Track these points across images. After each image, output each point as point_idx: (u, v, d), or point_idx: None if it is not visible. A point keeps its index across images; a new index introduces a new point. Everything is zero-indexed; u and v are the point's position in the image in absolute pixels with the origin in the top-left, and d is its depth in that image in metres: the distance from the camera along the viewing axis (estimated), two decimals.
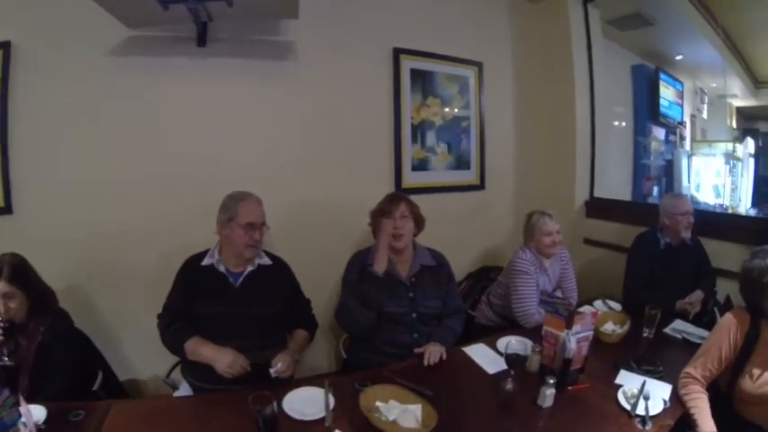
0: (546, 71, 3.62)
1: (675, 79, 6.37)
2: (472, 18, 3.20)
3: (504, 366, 1.69)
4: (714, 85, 7.68)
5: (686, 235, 2.63)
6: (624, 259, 2.88)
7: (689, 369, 1.66)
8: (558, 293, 2.54)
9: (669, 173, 6.94)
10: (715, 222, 3.04)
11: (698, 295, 2.55)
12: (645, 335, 2.12)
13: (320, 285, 2.57)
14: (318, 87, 2.60)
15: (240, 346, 1.72)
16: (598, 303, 2.60)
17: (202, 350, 1.71)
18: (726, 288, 2.68)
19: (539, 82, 3.63)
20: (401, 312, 2.04)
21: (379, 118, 2.74)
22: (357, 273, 2.03)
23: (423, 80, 2.85)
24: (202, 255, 1.89)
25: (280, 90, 2.54)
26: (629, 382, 1.72)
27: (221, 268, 1.87)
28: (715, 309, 2.60)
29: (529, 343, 1.90)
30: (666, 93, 6.11)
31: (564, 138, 3.60)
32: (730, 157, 7.88)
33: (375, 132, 2.76)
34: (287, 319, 2.01)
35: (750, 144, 8.47)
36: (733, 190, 7.99)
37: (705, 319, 2.54)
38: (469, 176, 3.14)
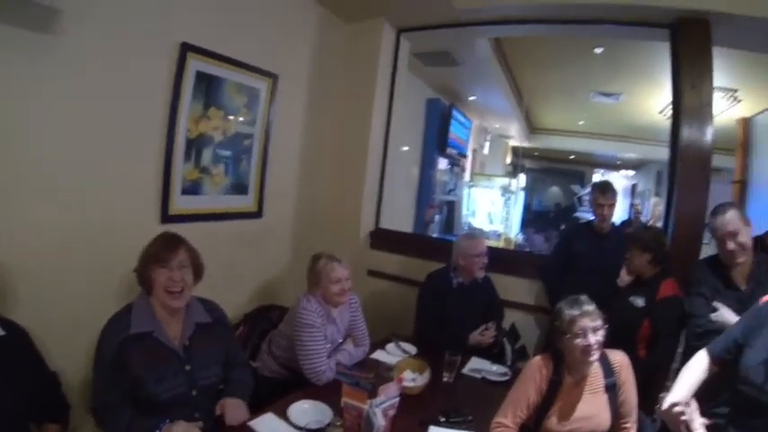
0: (346, 95, 3.98)
1: (465, 116, 7.39)
2: (275, 25, 3.30)
3: None
4: (497, 126, 9.19)
5: (480, 275, 3.10)
6: (408, 291, 3.36)
7: (500, 418, 1.95)
8: (349, 345, 2.68)
9: (450, 202, 7.98)
10: (504, 258, 3.75)
11: (489, 325, 3.01)
12: (445, 380, 2.46)
13: (73, 348, 2.15)
14: (79, 78, 2.12)
15: None
16: (391, 347, 2.87)
17: None
18: (510, 318, 3.39)
19: (336, 105, 3.96)
20: (177, 394, 1.85)
21: (150, 127, 2.48)
22: (111, 354, 1.76)
23: (208, 87, 2.77)
24: None
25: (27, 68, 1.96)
26: None
27: None
28: (504, 339, 3.17)
29: (327, 409, 1.99)
30: (456, 128, 7.02)
31: (354, 165, 3.97)
32: (506, 191, 9.57)
33: (143, 144, 2.46)
34: (29, 407, 1.69)
35: (522, 179, 10.44)
36: (506, 219, 9.76)
37: (495, 351, 3.06)
38: (246, 202, 3.20)
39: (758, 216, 6.82)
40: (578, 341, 1.86)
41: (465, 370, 2.66)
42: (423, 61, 5.09)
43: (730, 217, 2.30)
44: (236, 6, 2.91)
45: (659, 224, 3.71)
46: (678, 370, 1.96)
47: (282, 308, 2.99)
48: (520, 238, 11.23)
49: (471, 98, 7.20)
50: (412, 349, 2.85)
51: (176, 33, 2.55)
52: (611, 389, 1.95)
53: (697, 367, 1.81)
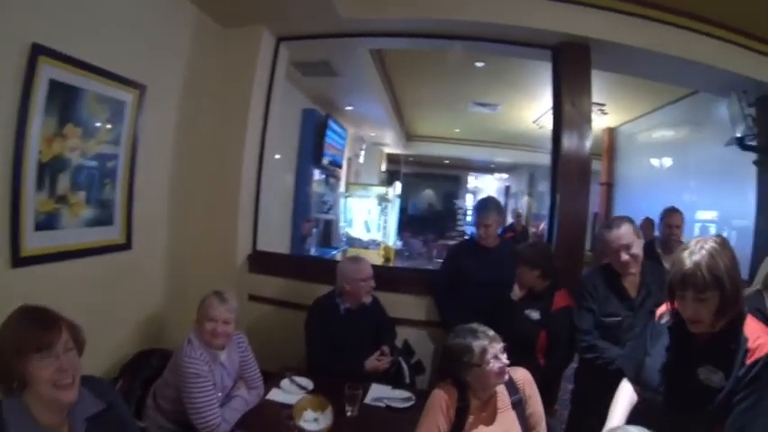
0: (220, 107, 3.80)
1: (341, 126, 7.44)
2: (145, 27, 3.02)
3: None
4: (373, 134, 9.39)
5: (368, 300, 3.12)
6: (293, 315, 3.35)
7: None
8: (242, 389, 2.56)
9: (327, 213, 8.00)
10: (389, 276, 3.80)
11: (385, 349, 3.07)
12: (349, 414, 2.43)
13: None
14: None
15: None
16: (286, 384, 2.76)
17: None
18: (402, 335, 3.46)
19: (210, 118, 3.77)
20: None
21: None
22: None
23: (64, 99, 2.45)
24: None
25: None
26: None
27: None
28: (400, 358, 3.22)
29: None
30: (332, 138, 7.04)
31: (228, 185, 3.81)
32: (382, 199, 9.76)
33: None
34: None
35: (398, 187, 10.74)
36: (384, 227, 9.94)
37: (393, 370, 3.11)
38: (113, 234, 2.91)
39: (623, 213, 7.91)
40: (492, 366, 2.00)
41: (367, 400, 2.65)
42: (301, 71, 5.05)
43: (624, 230, 2.55)
44: (98, 3, 2.61)
45: (543, 226, 4.00)
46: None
47: (165, 351, 2.78)
48: (398, 244, 11.57)
49: (348, 108, 7.29)
50: (308, 384, 2.77)
51: (25, 32, 2.18)
52: (518, 405, 2.12)
53: (624, 395, 2.00)
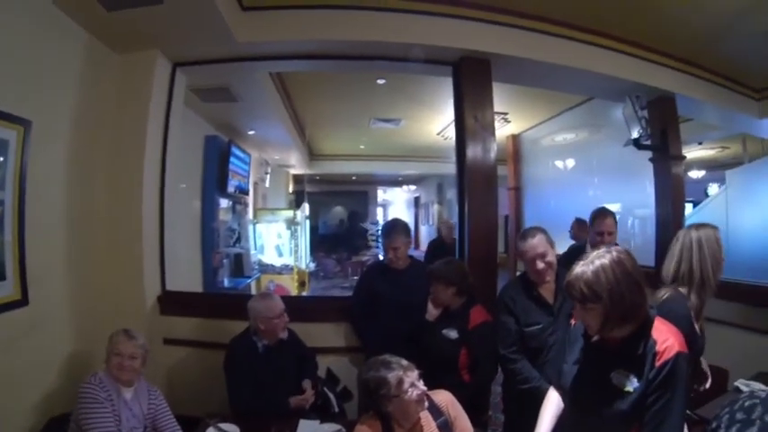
0: (115, 138, 3.59)
1: (244, 151, 7.30)
2: (28, 55, 2.77)
3: None
4: (277, 156, 9.28)
5: (284, 335, 3.04)
6: (211, 355, 3.18)
7: None
8: None
9: (237, 242, 7.76)
10: (303, 307, 3.79)
11: (307, 384, 2.99)
12: None
13: None
14: None
15: None
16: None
17: None
18: (323, 364, 3.39)
19: (105, 152, 3.54)
20: None
21: None
22: None
23: None
24: None
25: None
26: None
27: None
28: (325, 389, 3.14)
29: None
30: (235, 164, 6.88)
31: (129, 224, 3.57)
32: (291, 223, 9.60)
33: None
34: None
35: (306, 208, 10.63)
36: (295, 251, 9.76)
37: (320, 402, 3.03)
38: (5, 289, 2.63)
39: (532, 215, 8.43)
40: (410, 394, 2.03)
41: None
42: (200, 97, 4.91)
43: (539, 240, 2.69)
44: None
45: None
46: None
47: None
48: (312, 266, 11.42)
49: (250, 132, 7.16)
50: (234, 430, 2.63)
51: None
52: (444, 427, 2.15)
53: (550, 404, 2.07)
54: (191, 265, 5.99)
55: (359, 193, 16.81)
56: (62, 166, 3.15)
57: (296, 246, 10.06)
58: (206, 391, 3.19)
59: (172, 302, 3.76)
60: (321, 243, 15.08)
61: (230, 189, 6.99)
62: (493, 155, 3.82)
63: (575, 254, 2.65)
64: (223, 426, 2.62)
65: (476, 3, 3.70)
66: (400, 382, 2.02)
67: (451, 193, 12.02)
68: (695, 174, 10.41)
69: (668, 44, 4.42)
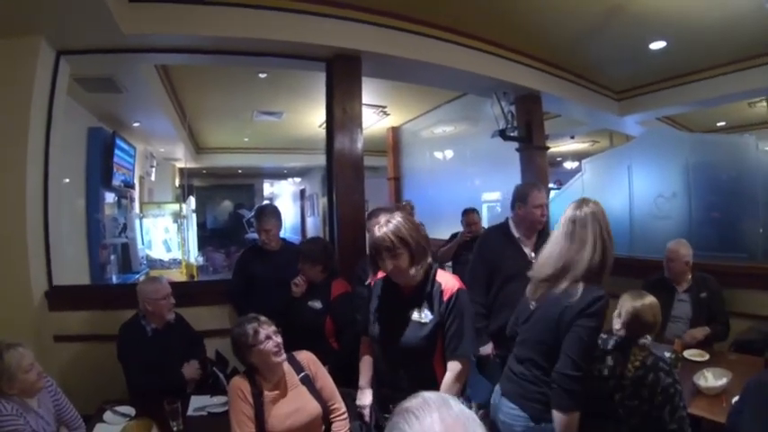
0: None
1: (129, 144, 7.11)
2: None
3: None
4: (162, 149, 9.05)
5: (170, 317, 3.14)
6: (105, 348, 3.17)
7: None
8: None
9: (122, 232, 7.53)
10: (188, 292, 3.85)
11: (192, 366, 3.09)
12: (175, 429, 2.47)
13: None
14: None
15: None
16: (109, 416, 2.67)
17: None
18: (211, 346, 3.45)
19: None
20: None
21: None
22: None
23: None
24: None
25: None
26: None
27: None
28: (215, 369, 3.23)
29: None
30: (120, 157, 6.69)
31: (10, 218, 3.39)
32: (178, 216, 9.43)
33: None
34: None
35: (192, 202, 10.44)
36: (184, 243, 9.57)
37: (210, 381, 3.15)
38: None
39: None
40: (267, 345, 2.26)
41: (189, 412, 2.71)
42: (84, 87, 4.73)
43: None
44: None
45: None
46: None
47: None
48: (200, 260, 11.24)
49: (135, 124, 6.93)
50: (130, 411, 2.72)
51: None
52: (307, 380, 2.41)
53: (365, 358, 2.57)
54: (77, 262, 5.70)
55: (246, 187, 16.61)
56: None
57: (183, 240, 9.90)
58: (102, 384, 3.12)
59: (60, 297, 3.61)
60: (209, 238, 14.77)
61: (116, 182, 6.72)
62: (360, 145, 4.13)
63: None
64: (119, 408, 2.71)
65: (347, 2, 3.91)
66: (256, 332, 2.24)
67: None
68: (570, 165, 11.65)
69: (534, 47, 4.94)
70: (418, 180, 8.81)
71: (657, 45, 4.90)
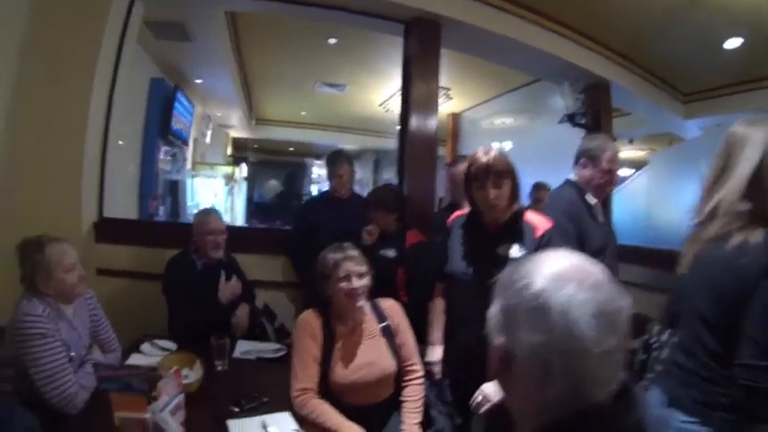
0: (63, 55, 3.29)
1: (189, 101, 7.05)
2: None
3: None
4: (220, 114, 9.01)
5: (215, 254, 2.95)
6: (148, 287, 3.07)
7: (298, 385, 1.93)
8: (96, 353, 2.24)
9: (174, 192, 7.52)
10: (241, 237, 3.66)
11: (244, 309, 2.94)
12: (219, 368, 2.30)
13: None
14: None
15: None
16: (147, 347, 2.56)
17: None
18: (260, 298, 3.31)
19: (51, 65, 3.26)
20: None
21: None
22: None
23: None
24: None
25: None
26: (245, 429, 1.80)
27: None
28: (263, 319, 3.12)
29: None
30: (180, 112, 6.65)
31: (69, 145, 3.33)
32: (229, 179, 9.42)
33: None
34: None
35: (244, 169, 10.42)
36: (231, 209, 9.57)
37: (257, 331, 3.02)
38: None
39: None
40: (343, 285, 2.01)
41: (236, 354, 2.56)
42: (154, 32, 4.64)
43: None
44: None
45: None
46: None
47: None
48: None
49: (198, 81, 6.85)
50: (171, 345, 2.59)
51: None
52: (387, 332, 2.14)
53: (437, 309, 2.44)
54: (127, 208, 5.62)
55: (295, 166, 16.60)
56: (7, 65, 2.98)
57: (231, 205, 9.90)
58: (141, 323, 2.96)
59: (108, 229, 3.53)
60: (256, 211, 14.81)
61: (172, 135, 6.65)
62: (434, 126, 3.82)
63: None
64: (159, 342, 2.59)
65: None
66: (336, 265, 2.02)
67: (388, 172, 11.95)
68: (624, 172, 11.18)
69: (606, 35, 4.68)
70: None
71: (733, 43, 4.53)
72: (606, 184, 2.60)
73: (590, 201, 2.62)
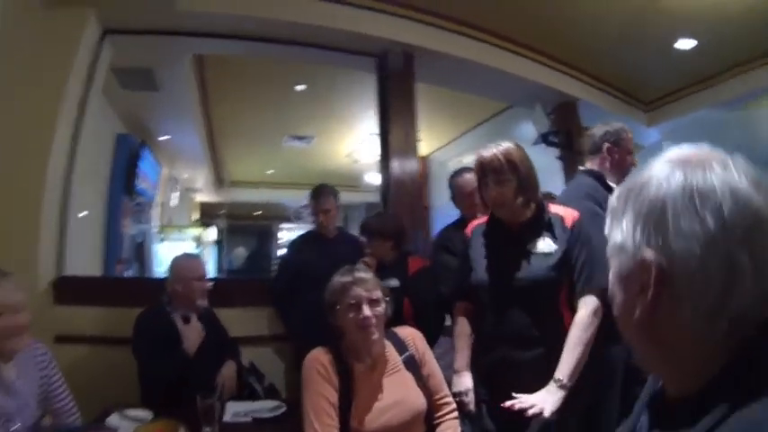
0: (22, 103, 3.05)
1: (156, 160, 6.90)
2: None
3: None
4: (186, 175, 8.84)
5: (203, 303, 2.62)
6: (117, 354, 2.70)
7: None
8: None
9: (140, 255, 7.21)
10: (221, 289, 3.20)
11: (231, 367, 2.59)
12: None
13: None
14: None
15: None
16: (114, 419, 2.13)
17: None
18: (244, 356, 2.92)
19: (9, 116, 3.01)
20: None
21: None
22: None
23: None
24: None
25: None
26: None
27: None
28: (251, 379, 2.80)
29: None
30: (145, 170, 6.47)
31: (26, 196, 3.05)
32: (199, 242, 9.20)
33: None
34: None
35: (213, 231, 10.27)
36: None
37: (246, 393, 2.65)
38: None
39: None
40: (351, 315, 1.75)
41: (227, 418, 2.19)
42: (120, 81, 4.48)
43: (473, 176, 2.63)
44: None
45: None
46: None
47: None
48: None
49: (164, 138, 6.65)
50: (146, 415, 2.15)
51: None
52: (412, 364, 1.88)
53: (462, 331, 2.18)
54: (90, 272, 5.38)
55: (262, 232, 16.37)
56: None
57: None
58: (109, 394, 2.50)
59: (70, 288, 3.14)
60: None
61: (138, 195, 6.40)
62: (416, 167, 3.88)
63: None
64: (130, 412, 2.16)
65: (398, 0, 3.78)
66: (344, 290, 1.77)
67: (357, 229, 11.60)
68: None
69: (570, 52, 4.85)
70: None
71: (686, 44, 4.69)
72: (630, 164, 2.54)
73: (613, 186, 2.46)
